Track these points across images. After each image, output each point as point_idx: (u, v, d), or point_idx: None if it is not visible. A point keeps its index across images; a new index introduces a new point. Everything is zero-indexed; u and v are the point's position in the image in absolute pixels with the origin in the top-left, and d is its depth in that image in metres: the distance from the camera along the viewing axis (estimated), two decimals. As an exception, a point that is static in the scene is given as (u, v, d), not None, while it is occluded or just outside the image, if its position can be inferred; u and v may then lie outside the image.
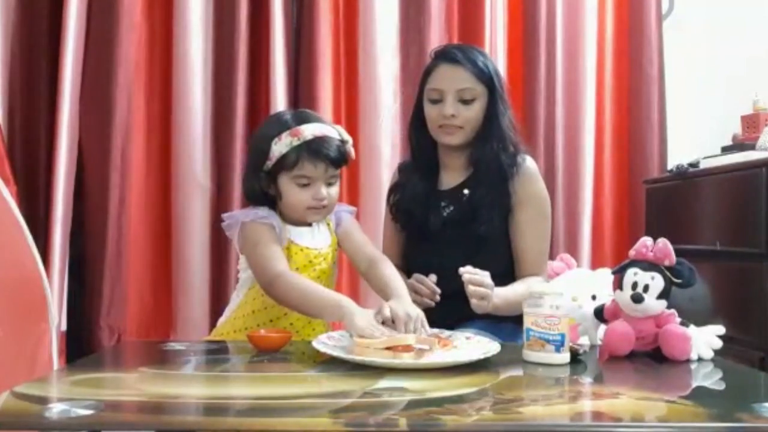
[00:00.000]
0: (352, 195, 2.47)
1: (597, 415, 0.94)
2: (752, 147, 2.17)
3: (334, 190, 1.43)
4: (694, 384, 1.19)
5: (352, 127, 2.47)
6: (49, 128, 2.29)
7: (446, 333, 1.35)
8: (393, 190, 1.71)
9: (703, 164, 2.24)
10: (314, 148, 1.37)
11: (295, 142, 1.37)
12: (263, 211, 1.41)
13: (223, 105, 2.39)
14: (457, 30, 2.51)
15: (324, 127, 1.41)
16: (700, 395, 1.10)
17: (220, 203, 2.33)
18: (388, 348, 1.15)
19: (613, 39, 2.62)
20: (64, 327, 2.25)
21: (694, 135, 2.56)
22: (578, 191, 2.54)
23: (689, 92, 2.62)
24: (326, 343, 1.24)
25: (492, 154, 1.57)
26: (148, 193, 2.42)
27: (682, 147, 2.54)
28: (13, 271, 1.77)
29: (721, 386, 1.16)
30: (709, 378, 1.19)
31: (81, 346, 2.27)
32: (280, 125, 1.40)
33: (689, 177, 2.24)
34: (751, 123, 2.40)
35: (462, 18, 2.51)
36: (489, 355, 1.18)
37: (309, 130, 1.38)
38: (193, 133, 2.37)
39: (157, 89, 2.43)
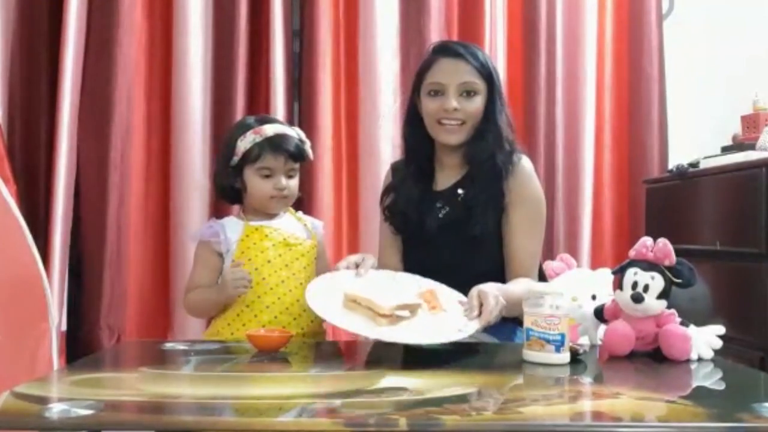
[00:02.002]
0: (352, 195, 2.47)
1: (597, 415, 0.94)
2: (752, 147, 2.17)
3: (294, 182, 1.58)
4: (694, 384, 1.19)
5: (352, 127, 2.48)
6: (49, 128, 2.29)
7: (445, 292, 1.37)
8: (386, 192, 1.68)
9: (703, 164, 2.24)
10: (275, 143, 1.53)
11: (258, 139, 1.53)
12: (212, 227, 1.56)
13: (223, 105, 2.38)
14: (457, 30, 2.51)
15: (284, 128, 1.58)
16: (700, 395, 1.10)
17: (219, 203, 2.33)
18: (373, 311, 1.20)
19: (613, 39, 2.62)
20: (64, 327, 2.25)
21: (694, 135, 2.56)
22: (578, 191, 2.53)
23: (689, 92, 2.61)
24: (321, 294, 1.29)
25: (487, 153, 1.54)
26: (147, 193, 2.42)
27: (682, 147, 2.54)
28: (13, 271, 1.77)
29: (721, 386, 1.17)
30: (709, 378, 1.19)
31: (81, 346, 2.27)
32: (245, 126, 1.57)
33: (689, 177, 2.24)
34: (751, 123, 2.40)
35: (462, 18, 2.51)
36: (459, 337, 1.21)
37: (270, 129, 1.55)
38: (193, 134, 2.37)
39: (157, 89, 2.43)
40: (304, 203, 2.32)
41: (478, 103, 1.54)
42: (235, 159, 1.54)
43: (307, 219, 1.67)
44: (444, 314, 1.29)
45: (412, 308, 1.25)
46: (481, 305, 1.29)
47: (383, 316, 1.21)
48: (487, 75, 1.55)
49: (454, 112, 1.52)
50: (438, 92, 1.54)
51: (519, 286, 1.46)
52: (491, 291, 1.31)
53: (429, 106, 1.56)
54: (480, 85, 1.54)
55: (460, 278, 1.53)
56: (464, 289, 1.46)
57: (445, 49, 1.58)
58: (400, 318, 1.21)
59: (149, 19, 2.41)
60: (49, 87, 2.30)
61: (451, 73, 1.53)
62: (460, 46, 1.57)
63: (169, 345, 1.38)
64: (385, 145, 2.41)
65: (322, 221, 1.74)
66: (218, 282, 1.54)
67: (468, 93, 1.53)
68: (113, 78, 2.32)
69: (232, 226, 1.56)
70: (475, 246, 1.53)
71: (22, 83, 2.30)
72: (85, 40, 2.33)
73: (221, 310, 1.53)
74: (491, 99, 1.55)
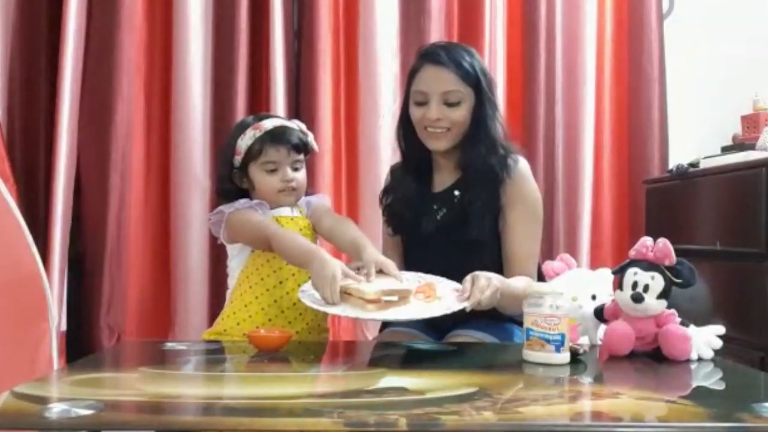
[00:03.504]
0: (352, 195, 2.47)
1: (597, 415, 0.94)
2: (752, 147, 2.17)
3: (300, 175, 1.55)
4: (694, 384, 1.19)
5: (352, 128, 2.48)
6: (49, 128, 2.29)
7: (444, 284, 1.38)
8: (385, 193, 1.67)
9: (703, 164, 2.24)
10: (276, 135, 1.51)
11: (258, 134, 1.51)
12: (249, 201, 1.52)
13: (223, 105, 2.39)
14: (456, 30, 2.51)
15: (283, 121, 1.57)
16: (700, 395, 1.10)
17: (219, 203, 2.33)
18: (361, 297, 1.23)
19: (613, 39, 2.62)
20: (64, 327, 2.25)
21: (694, 135, 2.57)
22: (578, 191, 2.54)
23: (689, 92, 2.62)
24: (310, 292, 1.31)
25: (480, 158, 1.52)
26: (147, 193, 2.42)
27: (682, 147, 2.54)
28: (13, 271, 1.77)
29: (721, 386, 1.17)
30: (709, 378, 1.19)
31: (81, 346, 2.27)
32: (243, 125, 1.55)
33: (689, 177, 2.24)
34: (751, 123, 2.40)
35: (462, 18, 2.51)
36: (447, 312, 1.24)
37: (269, 123, 1.53)
38: (193, 134, 2.37)
39: (157, 89, 2.43)
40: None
41: (462, 111, 1.51)
42: (238, 159, 1.53)
43: (303, 204, 1.62)
44: (438, 301, 1.31)
45: (402, 294, 1.28)
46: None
47: (371, 301, 1.23)
48: (473, 81, 1.51)
49: (437, 121, 1.51)
50: (423, 101, 1.52)
51: (519, 282, 1.47)
52: (484, 274, 1.33)
53: (415, 113, 1.55)
54: (464, 92, 1.50)
55: (458, 280, 1.53)
56: None
57: (428, 55, 1.53)
58: (388, 303, 1.24)
59: (149, 20, 2.42)
60: (49, 87, 2.31)
61: (433, 81, 1.51)
62: (444, 52, 1.51)
63: (169, 345, 1.38)
64: (385, 146, 2.41)
65: (321, 194, 1.69)
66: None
67: (451, 102, 1.50)
68: (113, 78, 2.32)
69: (259, 204, 1.53)
70: (472, 249, 1.52)
71: (22, 83, 2.30)
72: (85, 40, 2.33)
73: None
74: (479, 104, 1.52)
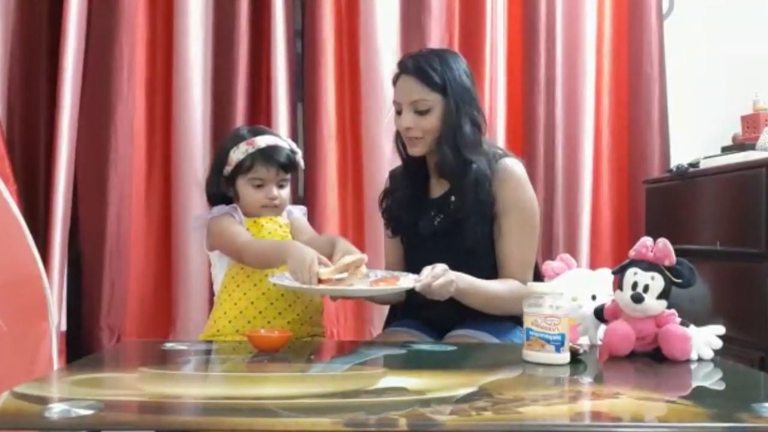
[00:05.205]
0: (355, 195, 2.47)
1: (597, 415, 0.94)
2: (752, 147, 2.18)
3: (285, 192, 1.61)
4: (694, 384, 1.19)
5: (355, 127, 2.48)
6: (49, 128, 2.29)
7: (404, 277, 1.45)
8: (384, 195, 1.69)
9: (703, 164, 2.25)
10: (267, 154, 1.55)
11: (251, 150, 1.55)
12: (223, 208, 1.57)
13: (223, 105, 2.39)
14: (457, 29, 2.51)
15: (276, 139, 1.61)
16: (700, 395, 1.10)
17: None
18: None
19: (613, 39, 2.62)
20: (64, 327, 2.25)
21: (694, 135, 2.57)
22: (578, 191, 2.53)
23: (689, 92, 2.61)
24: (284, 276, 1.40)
25: (448, 165, 1.53)
26: (147, 193, 2.42)
27: (682, 147, 2.54)
28: (13, 271, 1.77)
29: (721, 386, 1.16)
30: (709, 378, 1.19)
31: (81, 346, 2.27)
32: (238, 138, 1.59)
33: (689, 177, 2.24)
34: (751, 123, 2.40)
35: (462, 17, 2.51)
36: (396, 289, 1.38)
37: (263, 141, 1.57)
38: (193, 134, 2.37)
39: (157, 89, 2.43)
40: (308, 202, 2.33)
41: (432, 119, 1.52)
42: (228, 169, 1.57)
43: (284, 215, 1.66)
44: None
45: (355, 263, 1.35)
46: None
47: (322, 281, 1.31)
48: (441, 89, 1.51)
49: (409, 130, 1.53)
50: (398, 110, 1.55)
51: (500, 284, 1.50)
52: (443, 266, 1.38)
53: (395, 122, 1.58)
54: (432, 100, 1.51)
55: None
56: None
57: (400, 65, 1.57)
58: (340, 281, 1.33)
59: (150, 19, 2.42)
60: (49, 87, 2.30)
61: (404, 91, 1.53)
62: (412, 61, 1.54)
63: (169, 345, 1.38)
64: (388, 145, 2.40)
65: (301, 206, 1.74)
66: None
67: (420, 111, 1.51)
68: (113, 78, 2.32)
69: (237, 212, 1.58)
70: (469, 255, 1.52)
71: (22, 83, 2.30)
72: (85, 40, 2.33)
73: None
74: (448, 111, 1.51)
